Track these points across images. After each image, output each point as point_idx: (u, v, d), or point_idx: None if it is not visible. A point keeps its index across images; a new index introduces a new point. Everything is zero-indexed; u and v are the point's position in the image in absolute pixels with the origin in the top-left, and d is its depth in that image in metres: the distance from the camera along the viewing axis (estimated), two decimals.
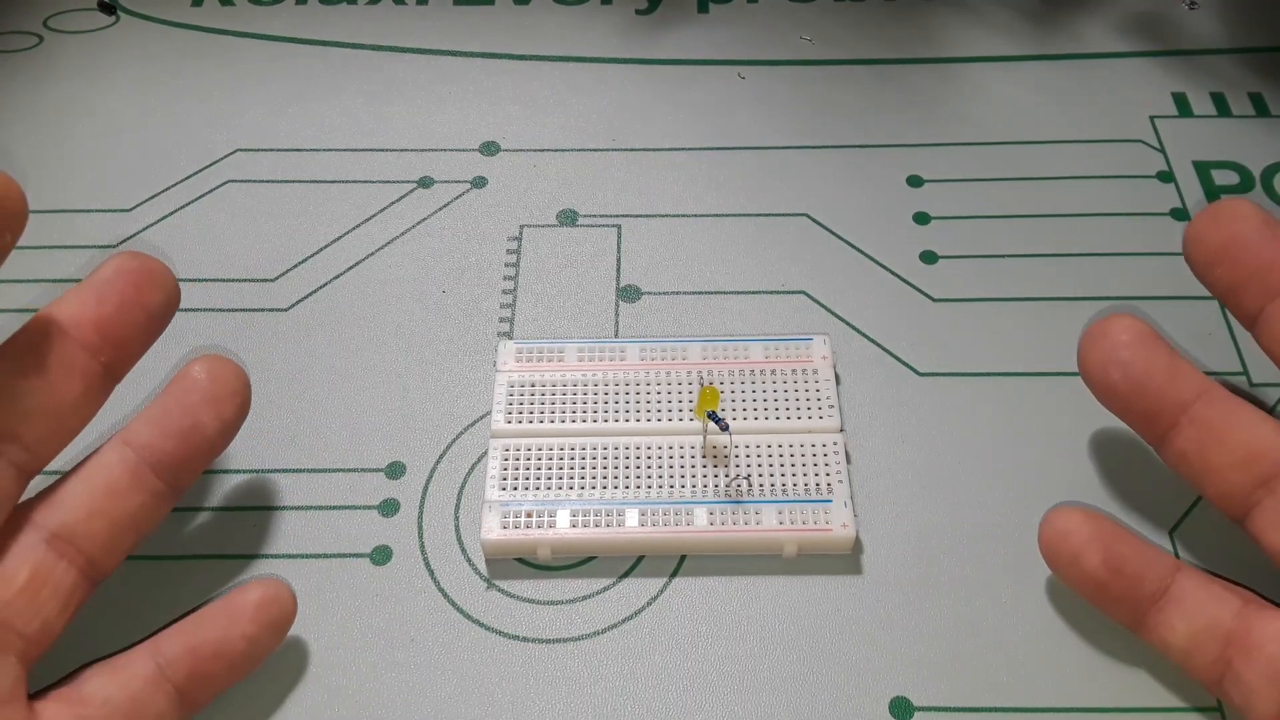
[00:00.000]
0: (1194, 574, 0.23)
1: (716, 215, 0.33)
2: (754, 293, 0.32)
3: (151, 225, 0.33)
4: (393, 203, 0.34)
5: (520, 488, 0.27)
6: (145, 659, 0.23)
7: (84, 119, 0.36)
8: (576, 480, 0.27)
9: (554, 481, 0.27)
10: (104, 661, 0.23)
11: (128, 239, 0.33)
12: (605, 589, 0.26)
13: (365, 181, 0.34)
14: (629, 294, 0.32)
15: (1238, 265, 0.23)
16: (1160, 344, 0.24)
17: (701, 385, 0.28)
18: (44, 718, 0.22)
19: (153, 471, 0.23)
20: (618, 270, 0.32)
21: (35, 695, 0.22)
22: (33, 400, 0.22)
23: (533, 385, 0.29)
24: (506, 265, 0.32)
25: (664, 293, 0.32)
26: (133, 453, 0.23)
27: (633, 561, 0.27)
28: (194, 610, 0.24)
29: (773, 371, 0.29)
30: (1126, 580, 0.23)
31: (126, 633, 0.25)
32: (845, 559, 0.27)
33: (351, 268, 0.32)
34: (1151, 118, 0.36)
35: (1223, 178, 0.34)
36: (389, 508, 0.28)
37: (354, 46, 0.38)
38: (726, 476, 0.27)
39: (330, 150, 0.35)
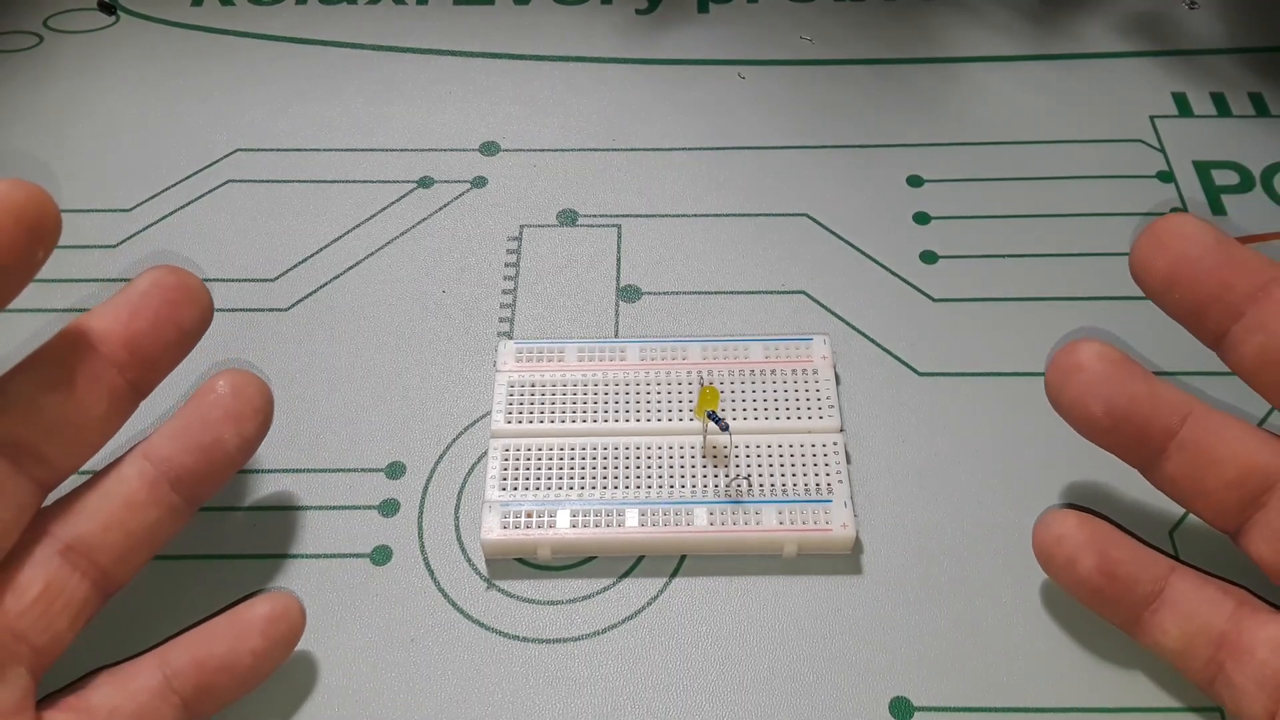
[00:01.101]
0: (1189, 575, 0.23)
1: (716, 215, 0.33)
2: (754, 293, 0.32)
3: (151, 225, 0.33)
4: (393, 203, 0.34)
5: (520, 488, 0.27)
6: (153, 670, 0.23)
7: (84, 119, 0.36)
8: (576, 480, 0.27)
9: (554, 481, 0.27)
10: (111, 670, 0.23)
11: (128, 239, 0.33)
12: (605, 589, 0.26)
13: (365, 181, 0.34)
14: (629, 294, 0.32)
15: (1194, 289, 0.22)
16: (1135, 368, 0.23)
17: (701, 385, 0.28)
18: None
19: (171, 487, 0.23)
20: (618, 270, 0.32)
21: (42, 704, 0.22)
22: (57, 415, 0.22)
23: (533, 385, 0.29)
24: (506, 265, 0.32)
25: (664, 293, 0.32)
26: (152, 467, 0.23)
27: (633, 561, 0.27)
28: (202, 621, 0.24)
29: (772, 371, 0.29)
30: (1121, 584, 0.23)
31: (127, 632, 0.25)
32: (845, 559, 0.27)
33: (351, 268, 0.32)
34: (1151, 118, 0.36)
35: (1223, 178, 0.34)
36: (389, 508, 0.28)
37: (354, 46, 0.38)
38: (726, 476, 0.27)
39: (330, 150, 0.35)
